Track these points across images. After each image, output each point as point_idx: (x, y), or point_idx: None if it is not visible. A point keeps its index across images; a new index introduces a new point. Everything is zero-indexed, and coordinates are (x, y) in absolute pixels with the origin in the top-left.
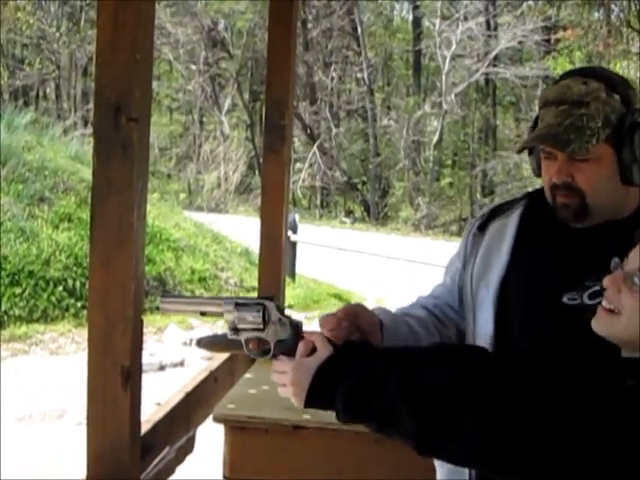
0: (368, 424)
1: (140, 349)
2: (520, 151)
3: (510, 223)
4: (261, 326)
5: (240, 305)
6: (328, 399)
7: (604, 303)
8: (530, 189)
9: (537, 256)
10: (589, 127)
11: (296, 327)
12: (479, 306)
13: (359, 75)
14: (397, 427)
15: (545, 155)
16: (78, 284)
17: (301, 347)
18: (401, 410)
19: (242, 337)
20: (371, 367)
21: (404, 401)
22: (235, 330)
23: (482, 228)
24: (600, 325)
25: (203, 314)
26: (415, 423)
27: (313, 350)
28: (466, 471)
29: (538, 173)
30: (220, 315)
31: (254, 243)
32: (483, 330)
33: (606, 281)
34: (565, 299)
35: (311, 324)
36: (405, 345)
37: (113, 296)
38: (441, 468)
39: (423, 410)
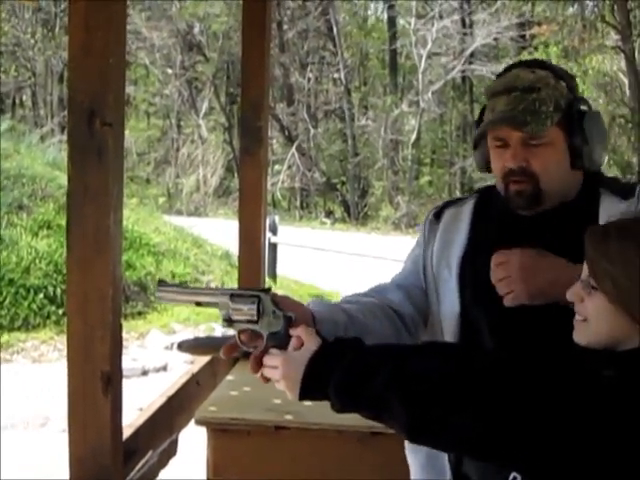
0: (361, 412)
1: (120, 354)
2: (477, 139)
3: (464, 211)
4: (255, 318)
5: (235, 296)
6: (321, 390)
7: (577, 316)
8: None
9: (491, 241)
10: (542, 111)
11: (289, 320)
12: (442, 287)
13: (336, 75)
14: (389, 415)
15: (497, 144)
16: (59, 291)
17: (294, 341)
18: (392, 398)
19: (235, 328)
20: (362, 357)
21: (395, 389)
22: (229, 321)
23: (437, 216)
24: (577, 336)
25: (198, 304)
26: (405, 411)
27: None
28: (445, 467)
29: (484, 167)
30: (215, 305)
31: (234, 246)
32: (449, 310)
33: (569, 295)
34: None
35: None
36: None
37: (92, 302)
38: (413, 466)
39: (413, 398)
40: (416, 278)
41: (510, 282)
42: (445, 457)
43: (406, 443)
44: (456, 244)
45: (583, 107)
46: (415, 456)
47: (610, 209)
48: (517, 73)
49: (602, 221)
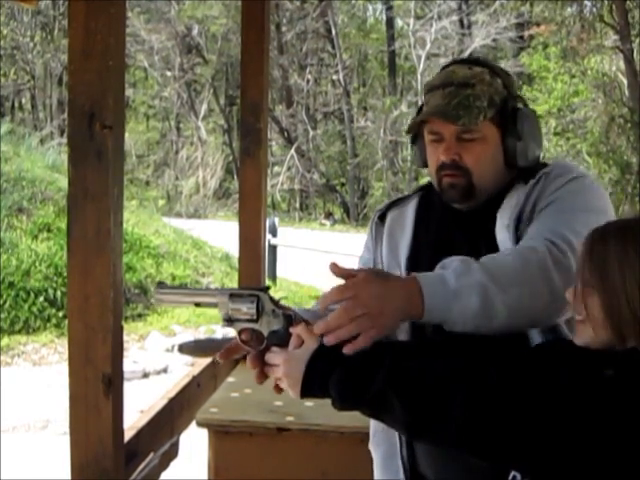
0: (362, 410)
1: (121, 356)
2: (409, 131)
3: (407, 211)
4: (255, 317)
5: (234, 296)
6: (322, 388)
7: (577, 317)
8: None
9: (432, 240)
10: (476, 106)
11: (289, 318)
12: None
13: (335, 77)
14: (388, 413)
15: (432, 138)
16: (59, 294)
17: (294, 340)
18: (391, 397)
19: (236, 328)
20: (361, 356)
21: (393, 388)
22: (229, 321)
23: (382, 218)
24: (577, 336)
25: (198, 305)
26: (405, 409)
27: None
28: (400, 468)
29: (422, 163)
30: (215, 306)
31: (234, 248)
32: None
33: (569, 295)
34: None
35: None
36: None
37: (92, 304)
38: (375, 462)
39: (412, 396)
40: None
41: (368, 320)
42: (399, 459)
43: (370, 437)
44: (402, 246)
45: (518, 104)
46: (375, 452)
47: (510, 196)
48: (453, 69)
49: (502, 210)
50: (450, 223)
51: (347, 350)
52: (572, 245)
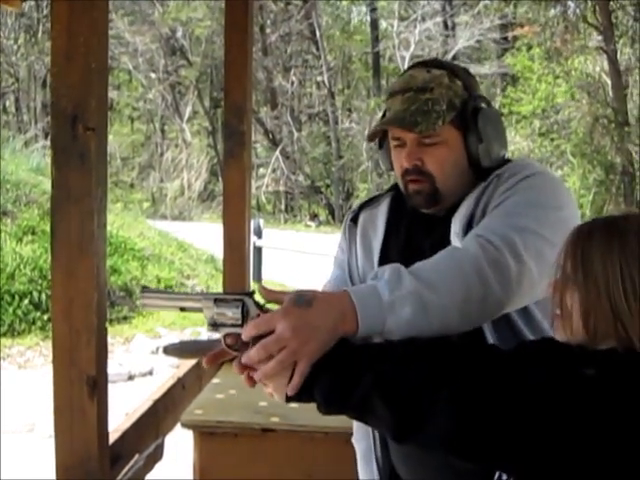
0: (347, 414)
1: (105, 358)
2: (370, 139)
3: (379, 212)
4: (240, 322)
5: (219, 301)
6: (307, 393)
7: (555, 311)
8: None
9: (402, 243)
10: (434, 110)
11: None
12: None
13: (319, 78)
14: (374, 416)
15: (395, 144)
16: (44, 297)
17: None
18: (377, 401)
19: (221, 332)
20: (346, 361)
21: (378, 392)
22: (214, 326)
23: (354, 220)
24: (556, 331)
25: (183, 309)
26: (389, 412)
27: None
28: (374, 471)
29: (389, 167)
30: (199, 311)
31: (219, 250)
32: None
33: (548, 288)
34: None
35: None
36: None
37: (76, 306)
38: (357, 448)
39: (396, 400)
40: (346, 284)
41: (290, 354)
42: (374, 462)
43: (354, 431)
44: (375, 249)
45: (480, 105)
46: (357, 446)
47: (465, 200)
48: (412, 73)
49: (455, 216)
50: (418, 228)
51: (290, 392)
52: (510, 241)
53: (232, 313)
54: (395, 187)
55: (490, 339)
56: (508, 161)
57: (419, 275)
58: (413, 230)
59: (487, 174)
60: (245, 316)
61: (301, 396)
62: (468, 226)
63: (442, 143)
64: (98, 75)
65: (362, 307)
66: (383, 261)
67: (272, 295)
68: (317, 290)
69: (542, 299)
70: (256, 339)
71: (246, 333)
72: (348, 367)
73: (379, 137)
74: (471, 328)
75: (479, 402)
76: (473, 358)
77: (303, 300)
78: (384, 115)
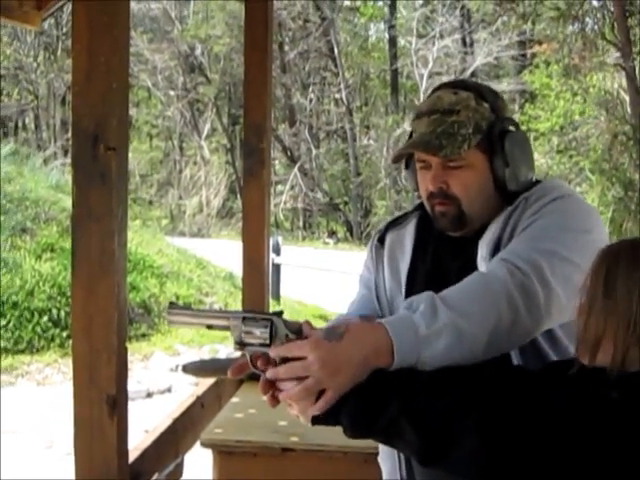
0: (373, 438)
1: (125, 377)
2: (395, 161)
3: (406, 233)
4: (268, 342)
5: (248, 319)
6: (334, 416)
7: (581, 334)
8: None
9: (430, 267)
10: (460, 133)
11: None
12: (397, 309)
13: (337, 96)
14: (401, 440)
15: (421, 165)
16: (63, 314)
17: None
18: (404, 425)
19: (248, 352)
20: (374, 385)
21: (406, 416)
22: (241, 344)
23: (381, 240)
24: (584, 356)
25: (210, 327)
26: (417, 437)
27: None
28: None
29: (415, 187)
30: (227, 329)
31: (238, 267)
32: None
33: (575, 312)
34: None
35: None
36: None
37: (97, 324)
38: (383, 468)
39: (424, 425)
40: (372, 303)
41: (316, 383)
42: (399, 478)
43: (380, 451)
44: (402, 270)
45: (508, 127)
46: (383, 466)
47: (492, 224)
48: (439, 95)
49: (482, 240)
50: (445, 251)
51: (313, 413)
52: (538, 267)
53: (260, 332)
54: (421, 207)
55: (516, 362)
56: (536, 183)
57: (453, 305)
58: (440, 253)
59: (514, 197)
60: (273, 336)
61: (327, 419)
62: (495, 250)
63: (467, 166)
64: (119, 95)
65: (399, 342)
66: (410, 283)
67: (311, 333)
68: (350, 322)
69: (567, 322)
70: (284, 360)
71: (276, 352)
72: (375, 391)
73: (405, 157)
74: (498, 354)
75: (504, 428)
76: (499, 383)
77: (334, 333)
78: (410, 136)
